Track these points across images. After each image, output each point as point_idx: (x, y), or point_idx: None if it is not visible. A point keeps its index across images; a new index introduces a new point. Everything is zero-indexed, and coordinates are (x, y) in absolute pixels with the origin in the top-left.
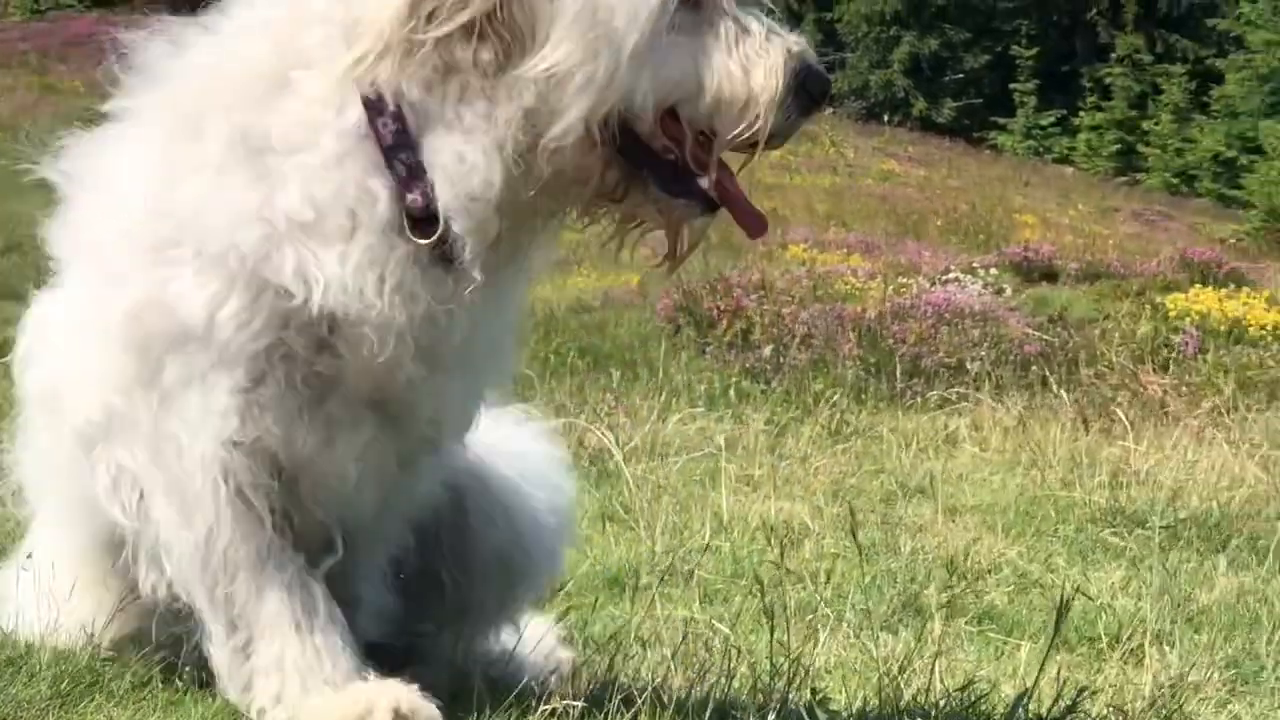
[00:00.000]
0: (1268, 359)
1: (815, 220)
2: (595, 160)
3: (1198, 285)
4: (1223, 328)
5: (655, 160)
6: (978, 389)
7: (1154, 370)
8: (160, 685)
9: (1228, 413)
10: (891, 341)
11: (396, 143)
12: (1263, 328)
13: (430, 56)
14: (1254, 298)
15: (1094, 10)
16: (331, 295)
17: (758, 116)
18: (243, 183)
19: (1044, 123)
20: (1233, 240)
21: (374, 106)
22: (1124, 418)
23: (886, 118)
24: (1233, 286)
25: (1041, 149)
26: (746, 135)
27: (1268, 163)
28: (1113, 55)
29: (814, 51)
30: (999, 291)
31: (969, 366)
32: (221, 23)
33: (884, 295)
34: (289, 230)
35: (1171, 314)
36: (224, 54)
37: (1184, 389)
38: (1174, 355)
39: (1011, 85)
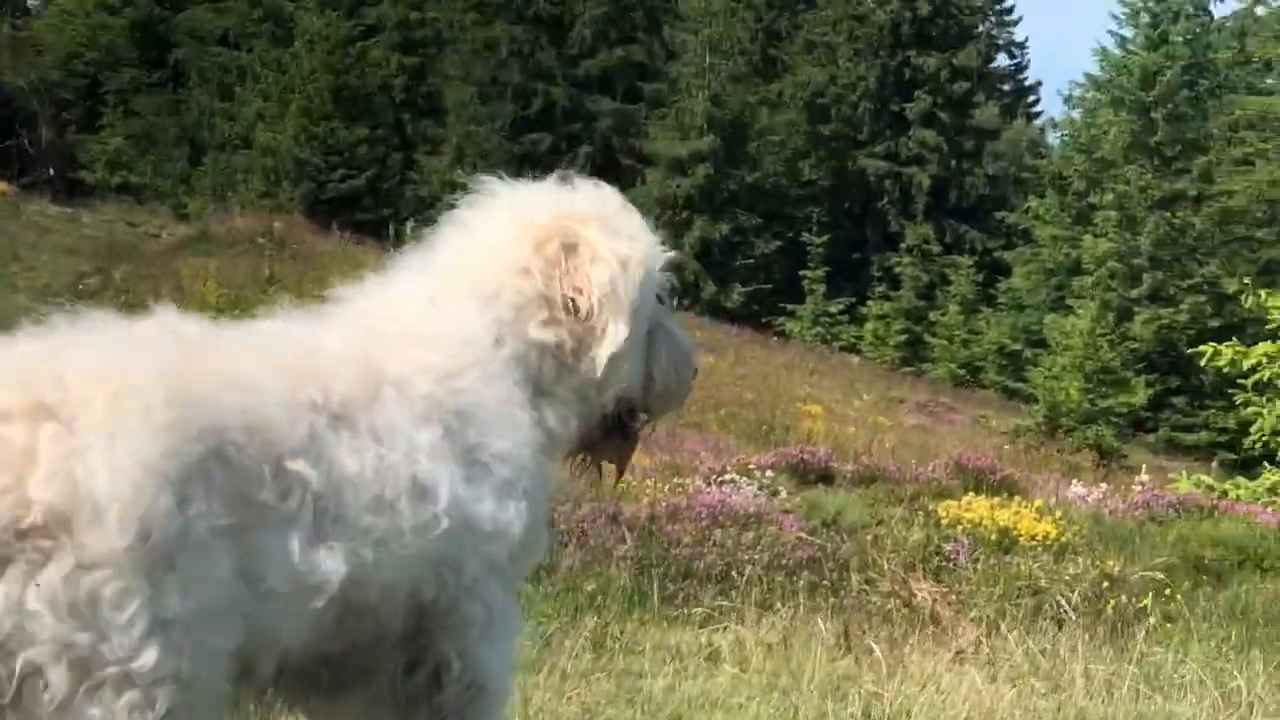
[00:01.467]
0: (1036, 569)
1: None
2: (598, 426)
3: (971, 493)
4: (993, 536)
5: (619, 422)
6: (745, 596)
7: (924, 578)
8: None
9: (990, 634)
10: (665, 543)
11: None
12: (1033, 538)
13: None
14: (1025, 507)
15: (885, 199)
16: None
17: (677, 400)
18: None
19: (833, 310)
20: (1008, 445)
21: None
22: (877, 649)
23: (676, 303)
24: (1005, 494)
25: (829, 336)
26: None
27: (1051, 356)
28: (902, 244)
29: None
30: (774, 494)
31: (739, 574)
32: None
33: (658, 494)
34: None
35: (944, 521)
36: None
37: (954, 597)
38: (945, 563)
39: (801, 272)
